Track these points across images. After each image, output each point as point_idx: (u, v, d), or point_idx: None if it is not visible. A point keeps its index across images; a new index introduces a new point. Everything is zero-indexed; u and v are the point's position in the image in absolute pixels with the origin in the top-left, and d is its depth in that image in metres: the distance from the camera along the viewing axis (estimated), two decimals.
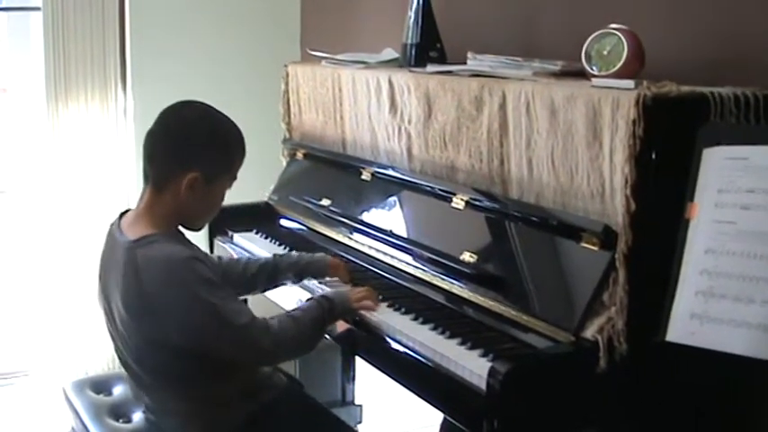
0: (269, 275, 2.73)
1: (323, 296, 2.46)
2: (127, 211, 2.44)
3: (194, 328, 2.20)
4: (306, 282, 2.77)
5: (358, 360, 3.59)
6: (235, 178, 2.42)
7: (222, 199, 2.43)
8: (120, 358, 2.46)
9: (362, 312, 2.48)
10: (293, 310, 2.41)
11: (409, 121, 2.88)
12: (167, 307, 2.19)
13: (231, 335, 2.21)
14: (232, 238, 3.31)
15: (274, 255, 2.85)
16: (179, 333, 2.21)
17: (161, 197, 2.33)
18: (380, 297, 2.55)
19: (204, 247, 3.04)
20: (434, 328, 2.33)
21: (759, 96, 2.06)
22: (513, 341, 2.23)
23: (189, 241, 2.37)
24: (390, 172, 2.96)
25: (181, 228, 2.41)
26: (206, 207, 2.41)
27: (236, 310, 2.24)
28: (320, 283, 2.74)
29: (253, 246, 3.20)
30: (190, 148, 2.32)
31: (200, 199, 2.33)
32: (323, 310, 2.39)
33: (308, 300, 2.47)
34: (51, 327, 4.37)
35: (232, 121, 2.41)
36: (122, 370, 2.48)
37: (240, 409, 2.42)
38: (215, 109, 2.40)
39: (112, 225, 2.41)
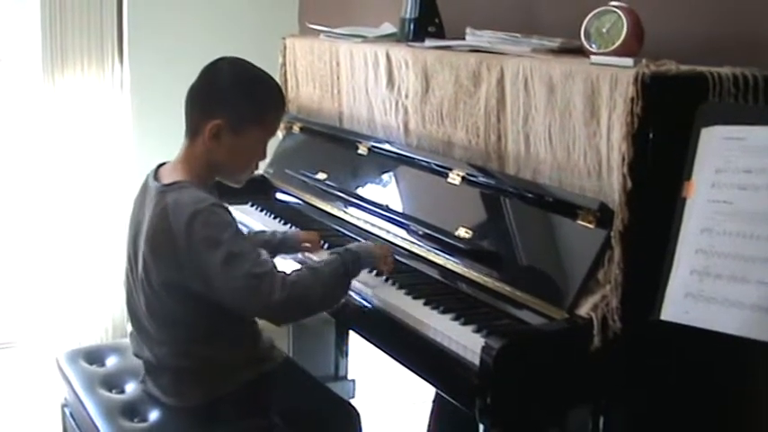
0: None
1: (346, 248, 2.43)
2: (165, 163, 2.47)
3: (212, 273, 2.20)
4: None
5: (351, 334, 3.60)
6: (271, 133, 2.46)
7: (257, 154, 2.47)
8: (129, 312, 2.50)
9: (360, 285, 2.47)
10: (314, 263, 2.39)
11: (406, 96, 2.87)
12: (189, 248, 2.21)
13: (246, 283, 2.19)
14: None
15: (248, 232, 2.87)
16: (195, 276, 2.23)
17: (194, 147, 2.39)
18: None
19: None
20: (428, 303, 2.33)
21: (758, 77, 2.06)
22: (506, 317, 2.23)
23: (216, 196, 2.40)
24: (387, 146, 2.95)
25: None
26: (236, 158, 2.42)
27: (254, 260, 2.23)
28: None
29: (248, 218, 3.20)
30: (214, 94, 2.38)
31: (227, 149, 2.37)
32: (344, 261, 2.35)
33: (330, 253, 2.44)
34: (45, 297, 4.38)
35: (268, 76, 2.46)
36: (116, 341, 2.48)
37: (238, 377, 2.44)
38: (250, 63, 2.45)
39: (148, 174, 2.45)
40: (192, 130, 2.39)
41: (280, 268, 2.28)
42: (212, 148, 2.35)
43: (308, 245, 2.81)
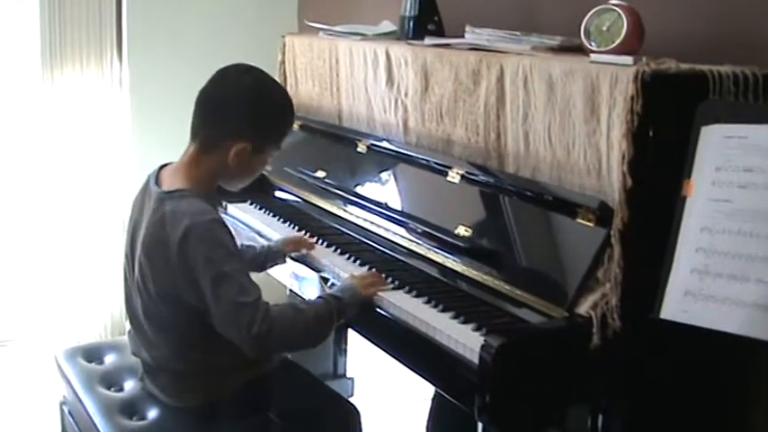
0: None
1: (331, 294, 2.39)
2: (168, 164, 2.45)
3: (200, 288, 2.19)
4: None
5: (350, 333, 3.59)
6: (280, 147, 2.47)
7: (265, 167, 2.50)
8: (128, 311, 2.49)
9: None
10: (300, 303, 2.38)
11: (406, 94, 2.87)
12: (182, 262, 2.20)
13: (229, 308, 2.17)
14: (226, 208, 3.30)
15: (241, 244, 2.86)
16: (188, 288, 2.22)
17: (205, 158, 2.36)
18: (374, 269, 2.56)
19: None
20: (428, 302, 2.33)
21: (758, 75, 2.05)
22: (506, 316, 2.23)
23: (218, 201, 2.38)
24: (386, 144, 2.95)
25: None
26: (248, 173, 2.46)
27: (242, 286, 2.19)
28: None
29: (247, 216, 3.20)
30: (244, 118, 2.35)
31: (245, 166, 2.39)
32: (330, 307, 2.32)
33: (317, 297, 2.41)
34: (44, 294, 4.37)
35: (286, 93, 2.48)
36: (114, 339, 2.48)
37: (236, 378, 2.43)
38: (272, 79, 2.45)
39: (149, 175, 2.43)
40: (208, 143, 2.35)
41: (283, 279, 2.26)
42: (230, 166, 2.34)
43: (291, 248, 2.81)
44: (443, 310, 2.27)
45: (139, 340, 2.46)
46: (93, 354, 2.80)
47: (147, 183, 2.41)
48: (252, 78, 2.40)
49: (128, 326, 2.54)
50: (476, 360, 1.97)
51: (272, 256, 2.81)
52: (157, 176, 2.40)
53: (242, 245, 2.86)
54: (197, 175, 2.35)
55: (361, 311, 2.40)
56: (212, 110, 2.37)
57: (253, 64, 2.43)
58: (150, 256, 2.28)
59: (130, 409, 2.49)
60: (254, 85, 2.39)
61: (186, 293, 2.23)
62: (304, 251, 2.79)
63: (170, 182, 2.34)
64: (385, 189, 2.88)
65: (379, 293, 2.40)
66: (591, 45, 2.30)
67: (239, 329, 2.17)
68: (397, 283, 2.47)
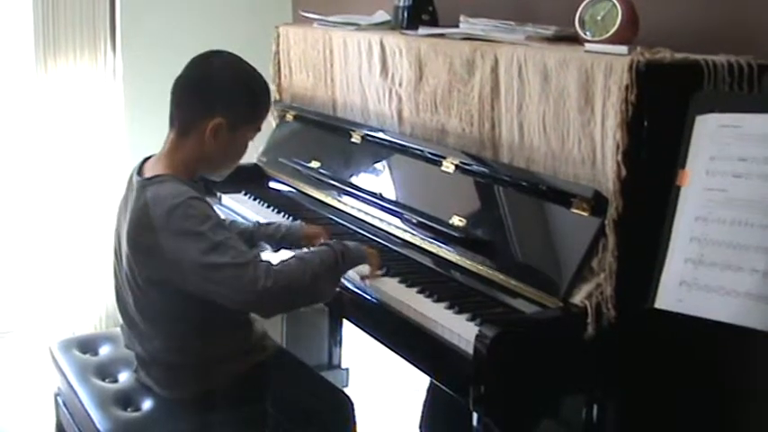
0: (246, 242, 2.72)
1: (335, 240, 2.39)
2: (150, 157, 2.44)
3: (191, 266, 2.17)
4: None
5: (345, 323, 3.59)
6: (259, 130, 2.45)
7: (245, 150, 2.46)
8: (119, 308, 2.48)
9: (353, 274, 2.45)
10: (303, 253, 2.36)
11: (400, 84, 2.86)
12: (168, 242, 2.18)
13: (229, 273, 2.14)
14: (220, 199, 3.30)
15: (255, 223, 2.85)
16: (175, 270, 2.21)
17: (184, 142, 2.35)
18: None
19: None
20: (422, 292, 2.33)
21: (753, 65, 2.05)
22: (500, 306, 2.23)
23: (202, 189, 2.37)
24: (380, 135, 2.95)
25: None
26: (227, 156, 2.43)
27: (237, 250, 2.19)
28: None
29: (241, 207, 3.19)
30: (216, 93, 2.34)
31: (222, 146, 2.36)
32: (335, 252, 2.31)
33: (321, 244, 2.43)
34: (38, 286, 4.37)
35: (259, 73, 2.45)
36: (109, 330, 2.47)
37: (230, 368, 2.43)
38: (243, 60, 2.44)
39: (134, 167, 2.42)
40: (185, 126, 2.35)
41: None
42: (208, 145, 2.33)
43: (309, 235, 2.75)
44: (438, 301, 2.27)
45: (132, 335, 2.45)
46: (87, 345, 2.80)
47: (131, 175, 2.41)
48: (219, 58, 2.41)
49: (121, 320, 2.53)
50: (470, 350, 1.97)
51: (285, 243, 2.76)
52: (140, 169, 2.39)
53: (255, 223, 2.83)
54: (177, 160, 2.35)
55: (357, 303, 2.41)
56: (185, 93, 2.38)
57: (246, 54, 2.43)
58: (136, 244, 2.27)
59: (125, 400, 2.48)
60: (223, 62, 2.41)
61: (173, 276, 2.22)
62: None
63: (151, 170, 2.34)
64: (379, 179, 2.88)
65: (375, 283, 2.40)
66: (585, 35, 2.30)
67: (243, 290, 2.16)
68: (391, 272, 2.46)
